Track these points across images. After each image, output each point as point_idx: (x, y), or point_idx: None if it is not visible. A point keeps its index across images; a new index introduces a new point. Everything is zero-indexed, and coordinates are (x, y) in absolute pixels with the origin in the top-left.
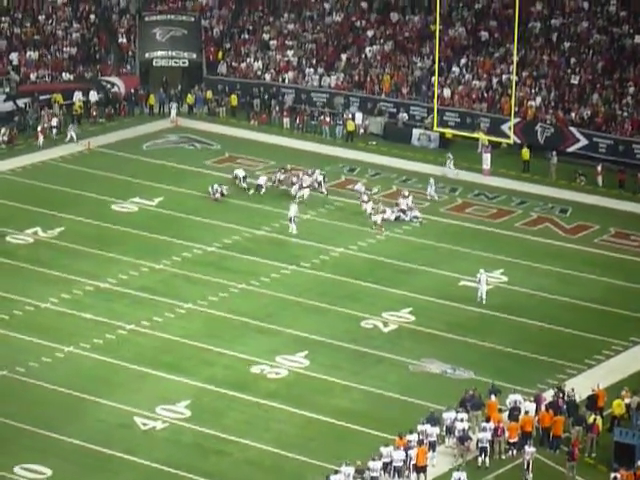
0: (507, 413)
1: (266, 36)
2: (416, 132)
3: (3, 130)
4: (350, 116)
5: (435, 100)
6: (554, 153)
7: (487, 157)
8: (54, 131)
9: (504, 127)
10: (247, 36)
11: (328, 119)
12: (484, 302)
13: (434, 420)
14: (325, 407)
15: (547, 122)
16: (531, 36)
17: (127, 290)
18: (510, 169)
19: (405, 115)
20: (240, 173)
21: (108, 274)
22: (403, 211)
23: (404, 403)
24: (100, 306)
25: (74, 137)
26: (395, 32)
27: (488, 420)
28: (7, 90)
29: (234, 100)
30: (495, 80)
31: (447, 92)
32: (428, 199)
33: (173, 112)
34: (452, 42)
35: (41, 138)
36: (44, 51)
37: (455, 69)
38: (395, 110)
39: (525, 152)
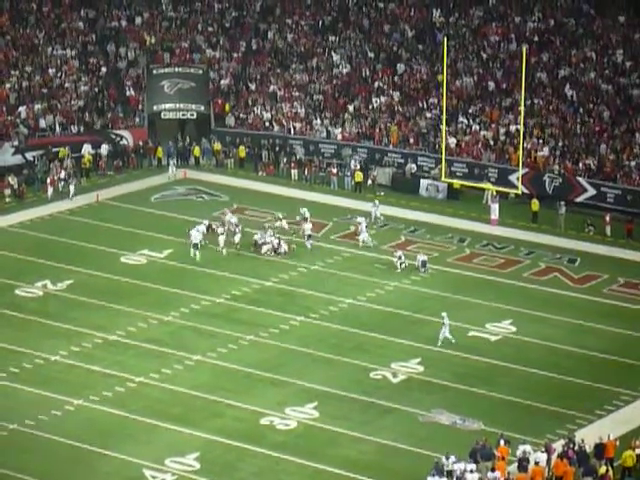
0: (516, 464)
1: (274, 87)
2: (424, 182)
3: (10, 179)
4: (358, 167)
5: (443, 150)
6: (563, 203)
7: (495, 207)
8: (61, 184)
9: (512, 177)
10: (254, 87)
11: (336, 170)
12: (440, 343)
13: (441, 470)
14: (334, 458)
15: (555, 172)
16: (538, 86)
17: (136, 342)
18: (518, 219)
19: (414, 166)
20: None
21: (117, 326)
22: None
23: (414, 454)
24: (109, 359)
25: (72, 192)
26: (402, 83)
27: (494, 470)
28: (16, 143)
29: (242, 152)
30: (502, 130)
31: (454, 142)
32: (361, 245)
33: (172, 169)
34: (459, 92)
35: (50, 190)
36: (53, 104)
37: (462, 119)
38: (403, 161)
39: (535, 203)
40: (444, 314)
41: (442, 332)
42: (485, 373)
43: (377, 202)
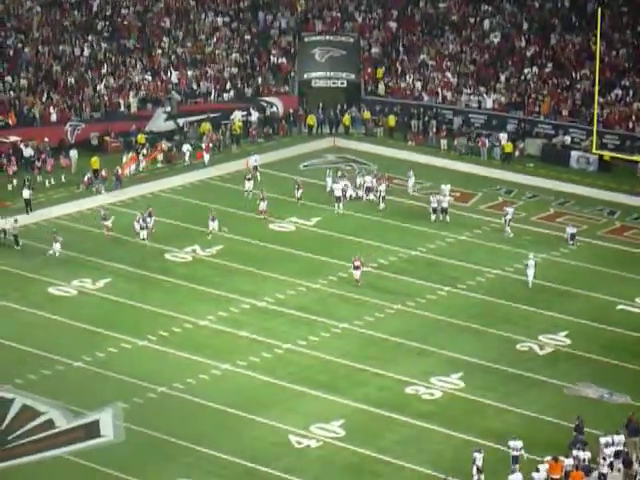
0: None
1: (424, 56)
2: (575, 154)
3: (163, 145)
4: (507, 138)
5: (595, 122)
6: None
7: None
8: (208, 155)
9: None
10: (405, 56)
11: (486, 140)
12: (531, 286)
13: (582, 444)
14: (479, 429)
15: None
16: None
17: (284, 309)
18: None
19: (568, 138)
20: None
21: (265, 293)
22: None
23: (558, 427)
24: (257, 325)
25: (205, 163)
26: (555, 53)
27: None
28: (168, 109)
29: (391, 121)
30: None
31: (607, 114)
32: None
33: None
34: (613, 63)
35: (206, 156)
36: (204, 70)
37: (616, 91)
38: (553, 132)
39: None
40: (531, 255)
41: (529, 273)
42: (634, 347)
43: (411, 172)
